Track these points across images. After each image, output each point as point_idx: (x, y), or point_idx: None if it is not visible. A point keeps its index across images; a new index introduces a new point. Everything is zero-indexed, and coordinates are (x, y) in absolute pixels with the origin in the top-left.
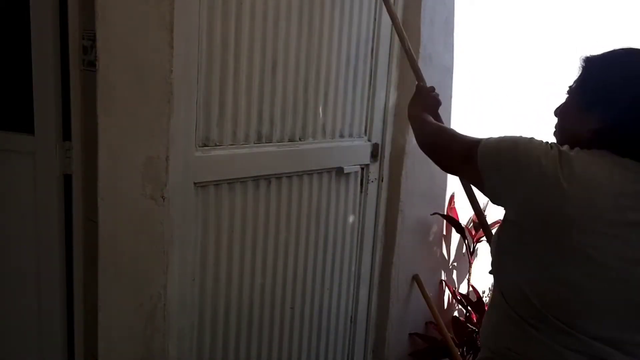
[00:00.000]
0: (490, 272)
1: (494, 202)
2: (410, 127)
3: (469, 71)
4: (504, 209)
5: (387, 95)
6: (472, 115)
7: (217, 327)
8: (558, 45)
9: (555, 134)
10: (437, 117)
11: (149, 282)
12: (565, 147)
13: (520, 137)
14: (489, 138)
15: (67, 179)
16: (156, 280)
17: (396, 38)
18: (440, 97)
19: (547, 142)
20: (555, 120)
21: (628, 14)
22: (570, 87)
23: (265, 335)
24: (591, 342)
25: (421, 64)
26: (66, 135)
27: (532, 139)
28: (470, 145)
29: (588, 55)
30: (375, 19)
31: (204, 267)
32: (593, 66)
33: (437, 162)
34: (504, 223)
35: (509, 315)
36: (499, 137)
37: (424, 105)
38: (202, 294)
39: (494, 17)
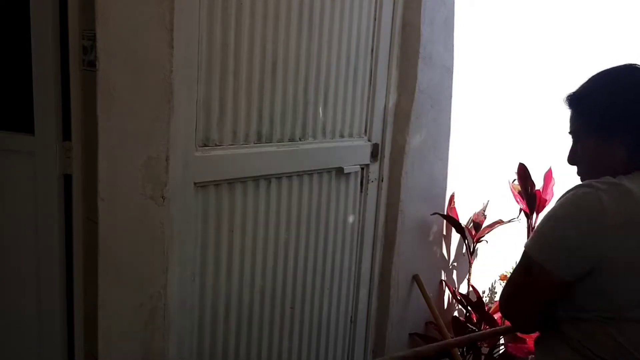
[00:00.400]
0: None
1: (573, 279)
2: (410, 126)
3: (469, 71)
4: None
5: (387, 95)
6: (472, 115)
7: (217, 327)
8: (558, 45)
9: (580, 172)
10: None
11: (149, 282)
12: (606, 184)
13: (548, 214)
14: (527, 244)
15: (67, 179)
16: (156, 280)
17: (396, 38)
18: (440, 97)
19: (576, 190)
20: (572, 168)
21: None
22: (571, 131)
23: (265, 335)
24: None
25: (421, 64)
26: (66, 135)
27: (558, 205)
28: (522, 263)
29: (571, 94)
30: (375, 19)
31: (204, 267)
32: (586, 101)
33: (517, 317)
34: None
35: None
36: (536, 230)
37: None
38: (202, 294)
39: (494, 17)
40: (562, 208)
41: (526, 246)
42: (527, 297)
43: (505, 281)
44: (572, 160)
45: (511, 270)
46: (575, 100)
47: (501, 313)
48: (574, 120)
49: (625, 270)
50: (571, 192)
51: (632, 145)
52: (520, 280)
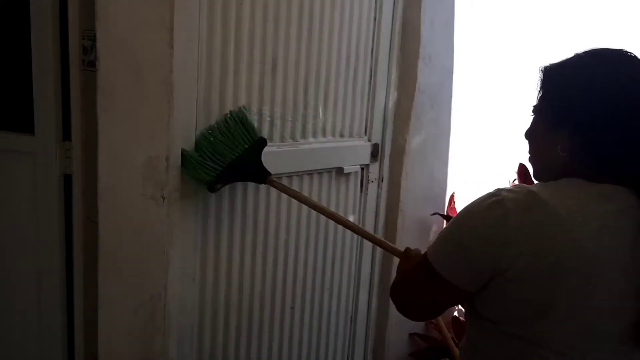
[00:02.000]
0: None
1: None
2: (410, 126)
3: (469, 71)
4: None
5: (387, 95)
6: (472, 115)
7: (217, 327)
8: (558, 45)
9: (529, 159)
10: None
11: (149, 282)
12: (518, 187)
13: (452, 221)
14: (430, 245)
15: (67, 179)
16: (156, 280)
17: (396, 38)
18: (440, 97)
19: (489, 195)
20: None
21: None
22: (534, 106)
23: (266, 335)
24: None
25: (421, 64)
26: (66, 135)
27: (464, 210)
28: (420, 260)
29: (546, 65)
30: (375, 19)
31: (204, 267)
32: (553, 77)
33: (406, 310)
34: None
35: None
36: (440, 235)
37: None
38: (202, 294)
39: (494, 17)
40: (467, 215)
41: (427, 251)
42: (423, 296)
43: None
44: (525, 134)
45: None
46: (546, 72)
47: (391, 297)
48: (538, 95)
49: (520, 283)
50: (480, 199)
51: (578, 143)
52: (420, 280)
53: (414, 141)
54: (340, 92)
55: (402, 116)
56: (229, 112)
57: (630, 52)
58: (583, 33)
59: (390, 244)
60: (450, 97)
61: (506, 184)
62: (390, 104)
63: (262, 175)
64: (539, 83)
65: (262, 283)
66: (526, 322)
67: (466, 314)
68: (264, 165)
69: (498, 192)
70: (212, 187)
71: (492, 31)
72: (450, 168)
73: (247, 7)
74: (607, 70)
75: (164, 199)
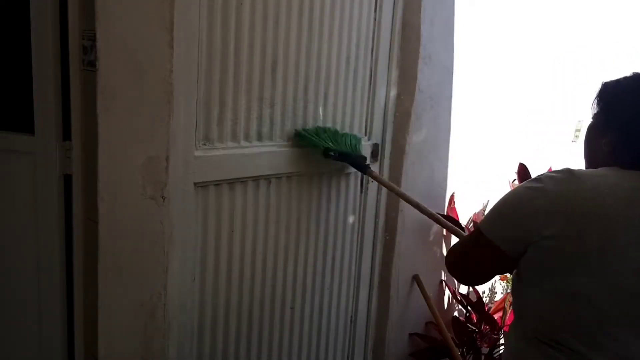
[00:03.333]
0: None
1: (518, 256)
2: (410, 126)
3: (469, 71)
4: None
5: (387, 95)
6: (472, 115)
7: (217, 327)
8: (558, 44)
9: (584, 156)
10: None
11: (149, 282)
12: (560, 173)
13: (507, 193)
14: (483, 218)
15: (67, 179)
16: (156, 280)
17: (396, 38)
18: (440, 97)
19: (533, 179)
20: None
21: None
22: (594, 113)
23: (265, 335)
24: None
25: (421, 64)
26: (66, 135)
27: (515, 189)
28: (474, 232)
29: (605, 81)
30: (375, 19)
31: (204, 267)
32: (606, 93)
33: (464, 274)
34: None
35: (527, 337)
36: (490, 210)
37: None
38: (202, 294)
39: (494, 17)
40: (515, 194)
41: (480, 222)
42: (476, 263)
43: (459, 252)
44: (585, 136)
45: None
46: (603, 87)
47: (448, 269)
48: (599, 103)
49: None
50: (524, 183)
51: (617, 144)
52: (469, 247)
53: (414, 141)
54: (340, 92)
55: (402, 116)
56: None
57: None
58: (583, 33)
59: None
60: (450, 97)
61: (506, 184)
62: (390, 104)
63: (364, 167)
64: (597, 94)
65: (262, 283)
66: (562, 274)
67: (513, 290)
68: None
69: (539, 175)
70: (327, 153)
71: (492, 31)
72: (450, 168)
73: (247, 7)
74: None
75: (164, 199)
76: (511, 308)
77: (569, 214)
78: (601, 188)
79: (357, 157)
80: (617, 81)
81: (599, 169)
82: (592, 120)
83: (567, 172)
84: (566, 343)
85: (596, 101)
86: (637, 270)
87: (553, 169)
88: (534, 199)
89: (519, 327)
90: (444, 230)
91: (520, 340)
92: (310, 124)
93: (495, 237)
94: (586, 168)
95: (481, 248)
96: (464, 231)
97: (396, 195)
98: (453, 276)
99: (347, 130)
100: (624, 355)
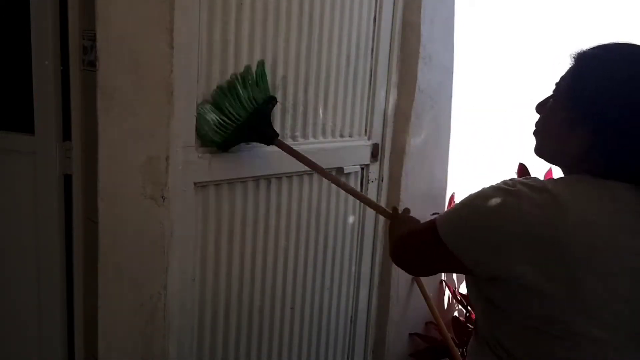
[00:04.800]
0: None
1: (483, 276)
2: (410, 126)
3: (469, 71)
4: (489, 273)
5: (387, 95)
6: (472, 115)
7: (217, 327)
8: (558, 44)
9: (535, 133)
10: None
11: (149, 282)
12: (530, 179)
13: (469, 196)
14: (441, 214)
15: (67, 179)
16: (156, 280)
17: (396, 38)
18: (440, 97)
19: (500, 185)
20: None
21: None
22: (557, 84)
23: (266, 335)
24: None
25: (421, 64)
26: (66, 135)
27: (481, 190)
28: (428, 225)
29: (582, 51)
30: (375, 19)
31: (204, 267)
32: (584, 67)
33: (407, 265)
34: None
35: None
36: (453, 208)
37: (403, 224)
38: (202, 294)
39: (494, 17)
40: (486, 204)
41: (437, 221)
42: (427, 262)
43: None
44: (538, 109)
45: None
46: (576, 61)
47: (391, 253)
48: (561, 80)
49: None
50: (497, 184)
51: (600, 147)
52: (423, 248)
53: (414, 141)
54: (340, 92)
55: (402, 116)
56: (249, 67)
57: None
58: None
59: (380, 205)
60: (450, 97)
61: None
62: (390, 104)
63: (269, 137)
64: (571, 68)
65: (262, 283)
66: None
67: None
68: (264, 165)
69: (514, 180)
70: (224, 147)
71: (492, 31)
72: (450, 168)
73: (247, 7)
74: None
75: (164, 199)
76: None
77: (551, 252)
78: (587, 215)
79: (259, 124)
80: (596, 51)
81: (573, 181)
82: (555, 93)
83: (548, 196)
84: None
85: (569, 76)
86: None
87: (529, 178)
88: (509, 220)
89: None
90: None
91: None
92: (310, 124)
93: (457, 248)
94: (539, 154)
95: (437, 252)
96: None
97: (305, 164)
98: (397, 265)
99: (347, 130)
100: None
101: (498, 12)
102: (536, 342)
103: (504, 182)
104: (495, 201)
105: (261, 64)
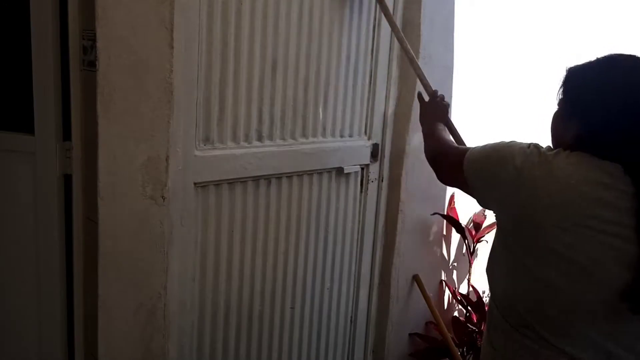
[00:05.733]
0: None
1: (483, 206)
2: (410, 126)
3: (469, 71)
4: (493, 212)
5: (387, 95)
6: (473, 115)
7: (217, 327)
8: (558, 44)
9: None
10: (449, 122)
11: (149, 282)
12: (545, 148)
13: (502, 142)
14: (475, 147)
15: (67, 179)
16: (156, 280)
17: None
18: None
19: (528, 144)
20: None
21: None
22: (559, 98)
23: (265, 335)
24: (571, 348)
25: (421, 64)
26: (66, 135)
27: (512, 142)
28: (461, 155)
29: (570, 66)
30: (375, 19)
31: (204, 267)
32: (571, 78)
33: (437, 173)
34: (496, 229)
35: (500, 322)
36: (483, 145)
37: (433, 114)
38: (202, 294)
39: (494, 17)
40: (504, 145)
41: (467, 156)
42: (450, 175)
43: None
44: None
45: None
46: (568, 72)
47: (425, 152)
48: (560, 89)
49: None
50: (536, 149)
51: (584, 132)
52: (451, 167)
53: (414, 141)
54: (340, 92)
55: (402, 116)
56: None
57: (633, 59)
58: (582, 32)
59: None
60: (450, 97)
61: None
62: (390, 104)
63: None
64: (562, 81)
65: (262, 283)
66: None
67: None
68: (264, 165)
69: (539, 147)
70: None
71: (492, 31)
72: None
73: (247, 7)
74: (617, 76)
75: (164, 199)
76: None
77: (532, 202)
78: (569, 178)
79: None
80: (582, 69)
81: (572, 154)
82: (557, 108)
83: (545, 160)
84: (532, 328)
85: (561, 89)
86: (594, 275)
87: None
88: (521, 158)
89: (492, 311)
90: (444, 230)
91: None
92: (310, 124)
93: (473, 187)
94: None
95: (459, 177)
96: (464, 230)
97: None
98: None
99: (347, 130)
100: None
101: (498, 12)
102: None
103: (528, 144)
104: (508, 149)
105: None
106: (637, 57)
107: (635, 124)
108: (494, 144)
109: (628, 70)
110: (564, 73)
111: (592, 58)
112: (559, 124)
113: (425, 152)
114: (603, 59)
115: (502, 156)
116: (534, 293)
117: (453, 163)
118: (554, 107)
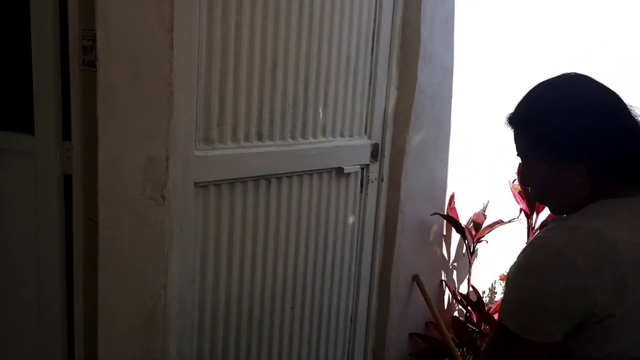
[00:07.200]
0: None
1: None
2: (410, 126)
3: (469, 71)
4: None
5: (387, 95)
6: (473, 115)
7: (217, 327)
8: (558, 44)
9: (542, 202)
10: None
11: (149, 282)
12: (562, 224)
13: (522, 272)
14: (500, 313)
15: (67, 179)
16: (156, 280)
17: (396, 38)
18: (440, 97)
19: (548, 249)
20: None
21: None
22: (520, 154)
23: (266, 335)
24: None
25: (421, 64)
26: (66, 135)
27: (530, 265)
28: (497, 338)
29: (512, 114)
30: (375, 19)
31: (204, 267)
32: (529, 122)
33: None
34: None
35: None
36: (508, 299)
37: None
38: (202, 294)
39: (494, 17)
40: (530, 274)
41: (502, 319)
42: None
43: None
44: (524, 181)
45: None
46: (516, 121)
47: None
48: (519, 142)
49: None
50: (531, 253)
51: (588, 168)
52: (508, 351)
53: (414, 141)
54: (340, 92)
55: (402, 116)
56: None
57: (582, 75)
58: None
59: None
60: (450, 97)
61: (506, 184)
62: (390, 104)
63: None
64: (517, 132)
65: (262, 283)
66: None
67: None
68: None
69: (547, 240)
70: None
71: (492, 31)
72: (450, 168)
73: (247, 7)
74: (577, 93)
75: (164, 199)
76: None
77: (609, 285)
78: (628, 238)
79: None
80: (529, 104)
81: (595, 209)
82: (524, 159)
83: (580, 231)
84: None
85: (523, 138)
86: None
87: (555, 221)
88: (570, 277)
89: None
90: (444, 230)
91: None
92: (310, 124)
93: (542, 336)
94: (556, 212)
95: (523, 351)
96: (464, 230)
97: None
98: None
99: (347, 130)
100: None
101: (498, 12)
102: None
103: (535, 244)
104: (547, 272)
105: None
106: (581, 74)
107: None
108: (512, 294)
109: (587, 82)
110: (514, 125)
111: (526, 92)
112: (548, 174)
113: None
114: (552, 86)
115: (545, 282)
116: None
117: (500, 351)
118: (521, 163)
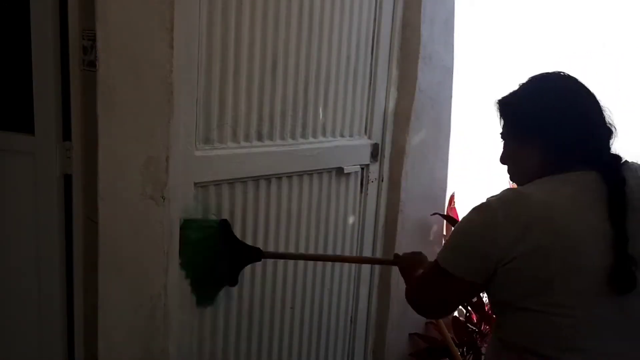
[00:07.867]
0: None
1: (493, 291)
2: (410, 126)
3: (469, 71)
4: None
5: (387, 95)
6: (472, 115)
7: (217, 326)
8: (558, 44)
9: (512, 179)
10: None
11: (149, 282)
12: (509, 195)
13: (460, 223)
14: (440, 251)
15: (67, 179)
16: (156, 280)
17: (396, 38)
18: (440, 97)
19: (483, 204)
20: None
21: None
22: (501, 133)
23: (266, 335)
24: None
25: (421, 64)
26: (66, 135)
27: (467, 217)
28: (433, 269)
29: (500, 99)
30: (375, 19)
31: None
32: (510, 108)
33: (428, 310)
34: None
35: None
36: (446, 241)
37: (412, 269)
38: None
39: (494, 17)
40: (463, 221)
41: (438, 257)
42: (441, 299)
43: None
44: (500, 159)
45: None
46: (502, 105)
47: (409, 302)
48: (502, 124)
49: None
50: (473, 208)
51: (544, 150)
52: (434, 284)
53: (414, 141)
54: (340, 92)
55: (402, 116)
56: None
57: (562, 72)
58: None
59: (377, 258)
60: (450, 97)
61: (506, 184)
62: (390, 104)
63: (257, 255)
64: (499, 114)
65: (262, 283)
66: (532, 296)
67: (489, 302)
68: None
69: (488, 199)
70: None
71: (492, 31)
72: (450, 168)
73: (247, 7)
74: (555, 88)
75: (164, 199)
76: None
77: (527, 236)
78: (549, 200)
79: (239, 251)
80: (514, 95)
81: (537, 181)
82: (503, 140)
83: (513, 192)
84: (548, 354)
85: (503, 120)
86: (592, 273)
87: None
88: (491, 227)
89: (500, 338)
90: (444, 230)
91: (503, 350)
92: (310, 124)
93: (461, 271)
94: (513, 180)
95: (447, 284)
96: None
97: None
98: (416, 311)
99: (347, 130)
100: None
101: (498, 12)
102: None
103: (477, 205)
104: (476, 217)
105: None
106: (559, 72)
107: (588, 126)
108: (450, 236)
109: (560, 80)
110: (498, 107)
111: (517, 85)
112: (516, 153)
113: (408, 302)
114: (531, 80)
115: (479, 232)
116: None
117: (429, 279)
118: (502, 143)
